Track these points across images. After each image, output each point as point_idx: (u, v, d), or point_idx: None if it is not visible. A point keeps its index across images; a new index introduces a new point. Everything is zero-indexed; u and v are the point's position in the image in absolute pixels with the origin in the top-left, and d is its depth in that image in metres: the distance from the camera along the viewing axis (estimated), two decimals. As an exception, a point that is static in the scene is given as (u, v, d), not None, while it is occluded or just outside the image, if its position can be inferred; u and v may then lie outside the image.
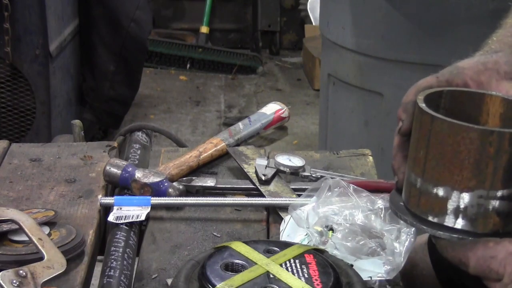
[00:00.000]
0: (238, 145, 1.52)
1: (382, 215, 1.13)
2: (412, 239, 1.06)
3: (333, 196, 1.17)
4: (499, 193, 0.89)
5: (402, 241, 1.07)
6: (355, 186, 1.17)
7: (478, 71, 0.99)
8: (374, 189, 1.23)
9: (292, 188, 1.34)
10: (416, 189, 0.93)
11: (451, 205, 0.90)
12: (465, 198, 0.89)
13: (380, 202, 1.14)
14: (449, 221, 0.90)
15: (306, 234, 1.15)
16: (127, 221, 1.21)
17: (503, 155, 0.87)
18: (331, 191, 1.17)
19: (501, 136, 0.87)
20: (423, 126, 0.92)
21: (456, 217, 0.90)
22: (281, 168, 1.37)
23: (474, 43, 1.11)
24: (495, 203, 0.89)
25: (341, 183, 1.17)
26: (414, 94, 0.95)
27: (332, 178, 1.23)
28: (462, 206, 0.89)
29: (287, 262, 1.01)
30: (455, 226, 0.90)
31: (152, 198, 1.26)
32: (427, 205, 0.92)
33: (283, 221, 1.22)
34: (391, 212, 1.09)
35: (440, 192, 0.90)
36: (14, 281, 0.96)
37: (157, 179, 1.30)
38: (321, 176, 1.35)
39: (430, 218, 0.92)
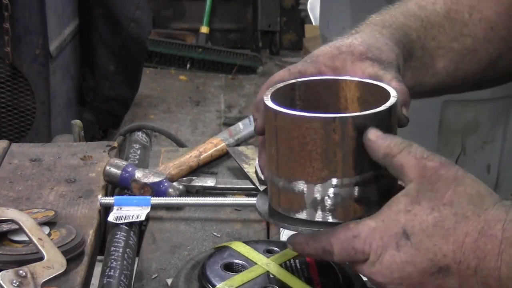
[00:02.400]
0: (238, 145, 1.52)
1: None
2: None
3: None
4: (353, 180, 0.87)
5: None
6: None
7: (332, 56, 0.96)
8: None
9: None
10: (275, 187, 0.91)
11: (308, 199, 0.87)
12: (320, 189, 0.87)
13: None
14: (310, 215, 0.88)
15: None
16: (127, 221, 1.21)
17: (349, 140, 0.85)
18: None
19: (343, 122, 0.85)
20: (270, 122, 0.89)
21: (316, 210, 0.88)
22: (281, 168, 1.37)
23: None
24: (352, 191, 0.87)
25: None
26: (266, 90, 0.92)
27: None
28: (319, 198, 0.87)
29: (287, 262, 1.01)
30: (317, 219, 0.87)
31: (152, 198, 1.26)
32: (287, 202, 0.89)
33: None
34: None
35: (296, 187, 0.88)
36: (14, 281, 0.96)
37: (157, 179, 1.30)
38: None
39: (292, 215, 0.89)
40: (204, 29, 5.42)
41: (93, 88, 3.79)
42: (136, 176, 1.31)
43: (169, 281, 1.07)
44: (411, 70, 1.02)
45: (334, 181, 0.87)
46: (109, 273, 1.08)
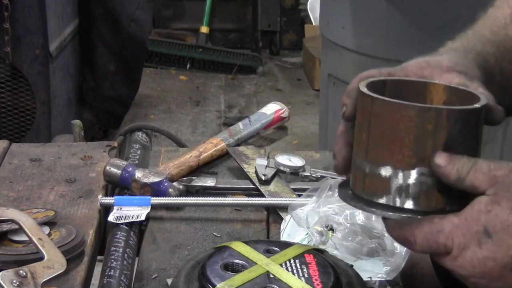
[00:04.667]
0: (238, 145, 1.52)
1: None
2: None
3: (334, 196, 1.17)
4: None
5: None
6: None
7: (420, 67, 1.01)
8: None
9: (292, 188, 1.34)
10: (361, 172, 0.93)
11: (394, 185, 0.90)
12: (407, 176, 0.89)
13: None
14: (394, 201, 0.90)
15: (307, 234, 1.15)
16: (127, 221, 1.21)
17: (441, 131, 0.88)
18: (331, 191, 1.17)
19: (438, 113, 0.88)
20: (365, 108, 0.92)
21: (400, 196, 0.90)
22: (281, 168, 1.37)
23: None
24: (437, 180, 0.89)
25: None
26: (358, 82, 0.97)
27: (332, 178, 1.23)
28: (404, 184, 0.89)
29: (287, 262, 1.01)
30: (401, 205, 0.90)
31: (152, 198, 1.26)
32: (372, 187, 0.91)
33: (283, 220, 1.22)
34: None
35: (383, 172, 0.90)
36: (14, 281, 0.96)
37: (157, 179, 1.30)
38: (321, 176, 1.35)
39: (376, 200, 0.91)
40: (204, 29, 5.42)
41: (93, 88, 3.79)
42: (136, 176, 1.31)
43: (169, 281, 1.07)
44: (492, 94, 1.03)
45: (422, 169, 0.89)
46: (109, 273, 1.08)
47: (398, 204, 0.90)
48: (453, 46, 1.08)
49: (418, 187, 0.90)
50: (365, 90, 0.93)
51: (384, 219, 0.92)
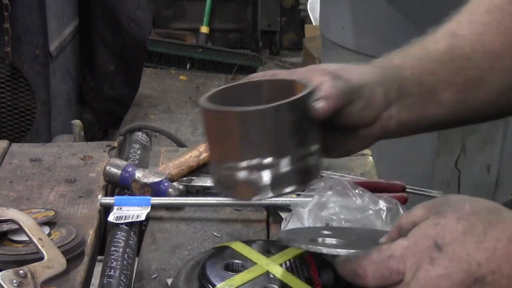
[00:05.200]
0: (238, 145, 1.52)
1: (383, 216, 1.13)
2: None
3: (334, 196, 1.17)
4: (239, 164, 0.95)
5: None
6: (357, 186, 1.17)
7: (308, 70, 1.04)
8: (374, 189, 1.23)
9: (292, 188, 1.33)
10: (233, 179, 0.97)
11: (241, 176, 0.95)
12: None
13: (382, 202, 1.14)
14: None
15: (307, 234, 1.15)
16: (127, 221, 1.21)
17: (234, 131, 0.95)
18: (332, 191, 1.17)
19: (228, 114, 0.94)
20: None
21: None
22: (281, 168, 1.37)
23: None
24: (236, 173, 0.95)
25: (342, 182, 1.17)
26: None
27: (332, 177, 1.23)
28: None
29: (287, 262, 1.01)
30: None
31: (152, 198, 1.26)
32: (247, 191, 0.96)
33: (284, 220, 1.22)
34: (392, 214, 1.10)
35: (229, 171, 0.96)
36: (14, 281, 0.96)
37: (157, 179, 1.30)
38: (321, 176, 1.34)
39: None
40: (204, 29, 5.42)
41: (93, 88, 3.79)
42: (136, 176, 1.31)
43: (169, 281, 1.07)
44: (408, 106, 1.06)
45: (228, 163, 0.96)
46: (109, 273, 1.08)
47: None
48: (371, 62, 1.11)
49: (226, 178, 0.96)
50: (203, 101, 0.98)
51: (335, 256, 0.90)
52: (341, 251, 0.88)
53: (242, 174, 0.95)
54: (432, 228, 0.81)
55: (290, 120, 0.96)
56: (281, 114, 0.95)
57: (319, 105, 0.96)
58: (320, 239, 0.93)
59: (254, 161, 0.94)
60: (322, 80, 1.00)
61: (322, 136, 1.00)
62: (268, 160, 0.94)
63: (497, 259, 0.78)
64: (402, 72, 1.06)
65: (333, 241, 0.93)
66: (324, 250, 0.89)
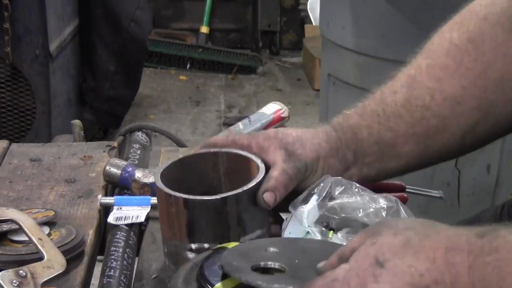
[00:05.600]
0: (238, 145, 1.52)
1: (384, 215, 1.12)
2: None
3: (335, 195, 1.16)
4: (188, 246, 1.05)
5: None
6: (358, 185, 1.17)
7: (267, 137, 1.09)
8: (374, 189, 1.22)
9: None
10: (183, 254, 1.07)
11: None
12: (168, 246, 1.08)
13: (383, 201, 1.14)
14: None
15: (307, 233, 1.15)
16: (127, 221, 1.21)
17: (181, 215, 1.03)
18: (332, 189, 1.17)
19: (176, 199, 1.02)
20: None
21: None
22: (281, 168, 1.37)
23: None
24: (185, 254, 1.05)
25: (343, 181, 1.17)
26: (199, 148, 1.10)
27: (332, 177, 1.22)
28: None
29: (287, 262, 1.01)
30: None
31: (152, 198, 1.26)
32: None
33: (285, 219, 1.22)
34: (393, 212, 1.09)
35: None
36: (14, 281, 0.96)
37: (157, 179, 1.30)
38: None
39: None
40: (204, 29, 5.42)
41: (93, 88, 3.79)
42: (136, 176, 1.31)
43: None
44: (366, 165, 1.11)
45: (175, 242, 1.06)
46: (109, 273, 1.08)
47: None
48: (333, 121, 1.13)
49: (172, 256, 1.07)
50: (158, 180, 1.06)
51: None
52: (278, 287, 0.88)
53: (187, 254, 1.04)
54: (371, 247, 0.81)
55: (236, 210, 1.03)
56: (227, 205, 1.02)
57: (267, 197, 1.02)
58: (262, 263, 0.92)
59: (199, 245, 1.03)
60: (275, 158, 1.05)
61: (268, 219, 1.08)
62: (214, 246, 1.01)
63: (438, 268, 0.78)
64: (359, 133, 1.09)
65: (276, 265, 0.92)
66: (264, 285, 0.88)
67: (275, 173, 1.05)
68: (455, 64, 1.10)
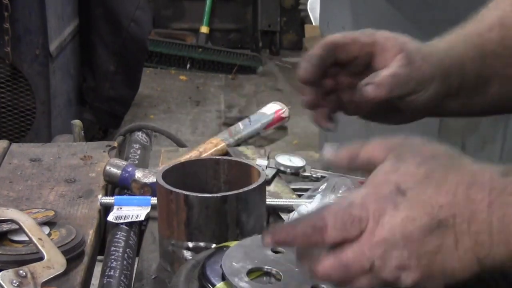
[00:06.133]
0: (238, 145, 1.52)
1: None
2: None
3: (337, 195, 1.16)
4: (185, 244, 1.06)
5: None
6: (360, 185, 1.17)
7: (386, 38, 1.03)
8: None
9: (293, 189, 1.33)
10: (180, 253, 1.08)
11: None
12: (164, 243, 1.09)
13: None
14: None
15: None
16: (127, 221, 1.21)
17: (181, 212, 1.04)
18: (335, 190, 1.17)
19: (177, 196, 1.04)
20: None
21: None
22: (282, 168, 1.37)
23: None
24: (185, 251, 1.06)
25: (346, 182, 1.17)
26: (320, 48, 1.02)
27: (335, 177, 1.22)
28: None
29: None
30: None
31: (152, 198, 1.26)
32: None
33: (287, 217, 1.22)
34: None
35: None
36: (14, 281, 0.96)
37: (157, 179, 1.30)
38: (322, 176, 1.34)
39: None
40: (204, 29, 5.42)
41: (93, 88, 3.79)
42: (136, 176, 1.31)
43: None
44: (461, 100, 1.06)
45: (173, 240, 1.07)
46: (109, 273, 1.08)
47: None
48: (439, 43, 1.08)
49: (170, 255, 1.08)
50: (159, 178, 1.07)
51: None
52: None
53: (184, 253, 1.05)
54: (393, 174, 0.79)
55: (236, 210, 1.04)
56: (227, 204, 1.04)
57: (368, 89, 0.97)
58: (259, 267, 0.91)
59: (196, 244, 1.05)
60: (392, 61, 1.00)
61: (266, 218, 1.10)
62: (210, 245, 1.04)
63: (458, 203, 0.77)
64: (465, 66, 1.05)
65: (273, 270, 0.91)
66: None
67: (385, 72, 0.99)
68: None
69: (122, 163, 1.34)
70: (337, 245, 0.78)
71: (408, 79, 1.00)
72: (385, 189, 0.78)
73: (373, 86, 0.97)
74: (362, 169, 0.84)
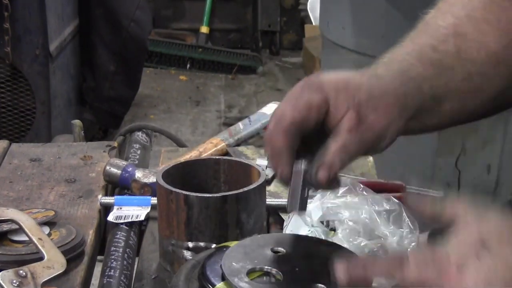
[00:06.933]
0: (238, 145, 1.52)
1: (385, 217, 1.12)
2: (414, 245, 1.06)
3: (337, 196, 1.16)
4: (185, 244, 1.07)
5: (404, 245, 1.07)
6: (362, 186, 1.17)
7: (336, 90, 0.94)
8: (374, 189, 1.22)
9: (292, 188, 1.33)
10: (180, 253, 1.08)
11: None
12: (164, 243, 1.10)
13: (385, 203, 1.14)
14: None
15: (309, 231, 1.15)
16: (127, 221, 1.21)
17: (181, 212, 1.05)
18: (334, 191, 1.17)
19: (177, 195, 1.04)
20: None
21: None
22: (281, 168, 1.37)
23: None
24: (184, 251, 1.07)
25: (345, 182, 1.17)
26: (282, 137, 0.91)
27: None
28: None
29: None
30: None
31: (152, 198, 1.26)
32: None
33: (287, 217, 1.22)
34: (395, 215, 1.09)
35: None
36: (14, 281, 0.96)
37: (157, 179, 1.30)
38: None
39: None
40: (204, 29, 5.42)
41: (93, 88, 3.79)
42: (136, 176, 1.31)
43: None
44: (417, 121, 1.01)
45: (173, 240, 1.08)
46: (109, 273, 1.08)
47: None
48: (391, 61, 1.03)
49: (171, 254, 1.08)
50: (159, 178, 1.08)
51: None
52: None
53: (183, 253, 1.05)
54: (477, 228, 0.81)
55: (236, 210, 1.05)
56: (227, 204, 1.04)
57: (320, 175, 0.91)
58: (259, 267, 0.91)
59: (196, 244, 1.05)
60: (341, 122, 0.92)
61: (266, 218, 1.10)
62: (210, 245, 1.04)
63: None
64: (422, 90, 0.99)
65: (273, 271, 0.90)
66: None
67: (334, 146, 0.92)
68: (496, 20, 1.02)
69: (122, 163, 1.34)
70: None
71: (360, 144, 0.94)
72: (469, 240, 0.80)
73: (324, 169, 0.91)
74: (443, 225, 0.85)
